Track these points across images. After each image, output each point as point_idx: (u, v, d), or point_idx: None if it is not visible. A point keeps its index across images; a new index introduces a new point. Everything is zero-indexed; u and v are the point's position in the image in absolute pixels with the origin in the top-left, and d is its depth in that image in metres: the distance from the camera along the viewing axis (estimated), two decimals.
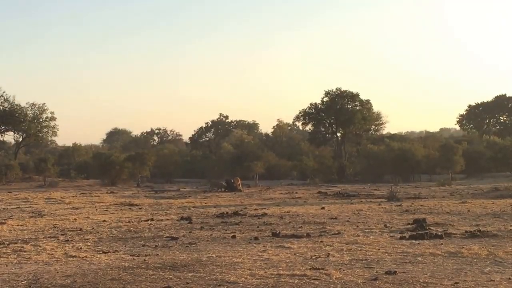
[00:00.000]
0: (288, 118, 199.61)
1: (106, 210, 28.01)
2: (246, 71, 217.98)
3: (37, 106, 70.23)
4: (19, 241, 16.46)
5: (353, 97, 75.39)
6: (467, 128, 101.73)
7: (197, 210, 27.72)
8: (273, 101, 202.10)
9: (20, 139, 72.55)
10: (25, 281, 10.21)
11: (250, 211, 26.02)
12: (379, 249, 13.82)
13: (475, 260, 12.15)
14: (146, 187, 54.40)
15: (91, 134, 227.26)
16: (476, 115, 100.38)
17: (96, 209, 28.67)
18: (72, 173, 67.04)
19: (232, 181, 46.84)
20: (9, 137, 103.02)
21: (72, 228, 19.79)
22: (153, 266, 11.49)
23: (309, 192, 43.69)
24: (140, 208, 29.31)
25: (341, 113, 73.91)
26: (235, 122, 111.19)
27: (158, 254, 13.60)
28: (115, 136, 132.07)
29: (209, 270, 10.98)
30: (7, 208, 29.32)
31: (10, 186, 55.24)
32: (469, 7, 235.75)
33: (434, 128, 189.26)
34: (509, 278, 10.06)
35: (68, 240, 16.53)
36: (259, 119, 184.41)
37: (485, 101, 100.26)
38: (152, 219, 22.57)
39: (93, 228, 19.77)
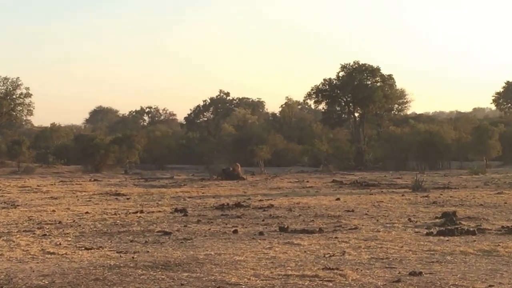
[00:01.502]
0: (298, 95, 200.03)
1: (89, 201, 28.08)
2: (249, 40, 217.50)
3: (10, 80, 70.10)
4: None
5: (373, 71, 75.04)
6: (505, 108, 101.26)
7: (194, 200, 27.77)
8: (281, 75, 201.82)
9: None
10: None
11: (254, 202, 26.07)
12: (402, 247, 13.83)
13: None
14: (135, 174, 54.52)
15: (72, 113, 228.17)
16: None
17: (78, 199, 28.74)
18: (50, 158, 67.04)
19: (231, 169, 46.86)
20: None
21: (50, 220, 19.86)
22: (143, 265, 11.52)
23: (322, 180, 43.69)
24: (128, 199, 29.37)
25: (359, 90, 73.60)
26: (237, 100, 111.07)
27: (148, 251, 13.63)
28: (99, 115, 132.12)
29: (207, 270, 11.00)
30: None
31: None
32: None
33: (466, 108, 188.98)
34: None
35: (45, 235, 16.60)
36: (265, 97, 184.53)
37: None
38: (141, 211, 22.63)
39: (74, 221, 19.83)
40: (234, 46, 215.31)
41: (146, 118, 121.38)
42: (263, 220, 19.61)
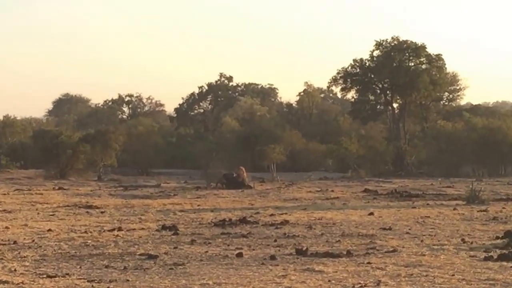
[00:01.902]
0: (320, 81, 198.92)
1: (53, 215, 28.06)
2: (257, 9, 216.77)
3: None
4: None
5: (418, 50, 74.80)
6: None
7: (186, 215, 27.75)
8: (298, 55, 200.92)
9: None
10: None
11: (264, 218, 26.04)
12: (453, 275, 13.79)
13: None
14: (111, 181, 54.51)
15: (30, 103, 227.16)
16: None
17: (38, 213, 28.72)
18: (2, 160, 67.25)
19: (234, 175, 46.81)
20: None
21: (2, 240, 19.88)
22: None
23: (351, 190, 43.55)
24: (102, 212, 29.37)
25: (399, 74, 73.37)
26: (242, 87, 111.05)
27: (128, 280, 13.64)
28: (66, 105, 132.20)
29: None
30: None
31: None
32: None
33: None
34: None
35: None
36: (278, 83, 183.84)
37: None
38: (119, 228, 22.61)
39: (33, 240, 19.84)
40: (238, 17, 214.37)
41: (125, 109, 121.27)
42: (275, 241, 19.59)
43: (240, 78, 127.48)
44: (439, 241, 19.16)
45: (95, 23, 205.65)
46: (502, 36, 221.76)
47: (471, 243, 18.70)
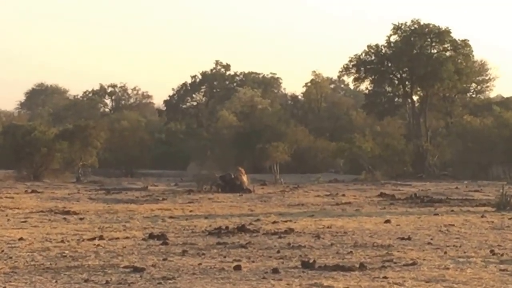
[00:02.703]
0: (330, 70, 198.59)
1: (25, 222, 28.08)
2: None
3: None
4: None
5: (441, 35, 74.94)
6: None
7: (177, 222, 27.77)
8: (306, 40, 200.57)
9: None
10: None
11: (266, 226, 26.06)
12: None
13: None
14: (91, 184, 54.60)
15: (0, 94, 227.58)
16: None
17: (8, 220, 28.75)
18: None
19: (233, 177, 46.88)
20: None
21: None
22: None
23: (365, 194, 43.66)
24: (81, 219, 29.40)
25: (420, 63, 73.52)
26: (241, 76, 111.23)
27: None
28: (40, 97, 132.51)
29: None
30: None
31: None
32: None
33: None
34: None
35: None
36: (282, 72, 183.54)
37: None
38: (101, 237, 22.63)
39: (2, 251, 19.85)
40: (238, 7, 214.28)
41: (108, 101, 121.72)
42: (278, 252, 19.60)
43: (238, 67, 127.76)
44: (465, 253, 19.17)
45: (73, 2, 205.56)
46: None
47: (502, 255, 18.70)
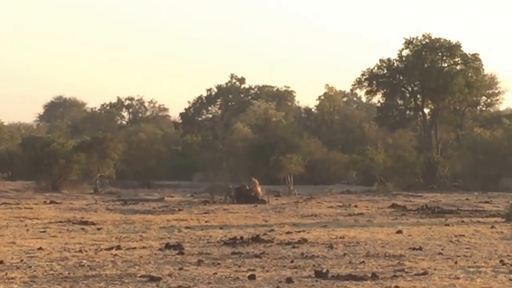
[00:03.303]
0: (343, 83, 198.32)
1: (44, 232, 28.13)
2: (274, 6, 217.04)
3: None
4: None
5: (452, 49, 74.88)
6: None
7: (193, 232, 27.78)
8: (319, 55, 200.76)
9: None
10: None
11: (280, 236, 26.05)
12: None
13: None
14: (108, 195, 54.63)
15: (19, 107, 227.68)
16: None
17: (28, 230, 28.81)
18: None
19: (248, 188, 46.89)
20: None
21: None
22: None
23: (377, 205, 43.60)
24: (98, 229, 29.41)
25: (431, 76, 73.46)
26: (256, 89, 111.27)
27: None
28: (59, 110, 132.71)
29: None
30: None
31: None
32: None
33: None
34: None
35: None
36: (296, 85, 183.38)
37: None
38: (118, 247, 22.65)
39: (21, 260, 19.88)
40: (253, 15, 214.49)
41: (125, 114, 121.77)
42: (292, 261, 19.59)
43: (253, 80, 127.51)
44: (475, 262, 19.12)
45: (91, 18, 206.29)
46: None
47: (511, 265, 18.66)
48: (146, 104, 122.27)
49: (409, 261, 19.37)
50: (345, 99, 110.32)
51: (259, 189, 47.44)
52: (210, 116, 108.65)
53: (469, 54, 75.45)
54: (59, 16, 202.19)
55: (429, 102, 76.81)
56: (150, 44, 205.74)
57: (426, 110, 77.73)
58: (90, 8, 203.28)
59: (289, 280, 16.45)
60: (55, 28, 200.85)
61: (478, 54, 75.84)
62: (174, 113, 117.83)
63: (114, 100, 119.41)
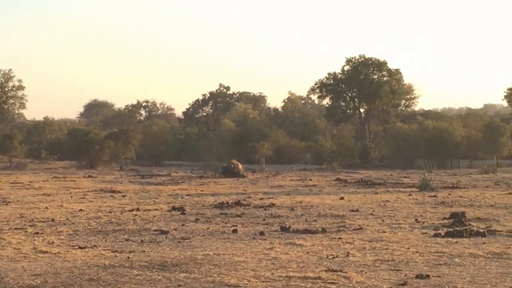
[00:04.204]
0: (301, 90, 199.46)
1: (83, 198, 28.10)
2: (251, 32, 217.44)
3: (1, 72, 70.11)
4: None
5: (380, 65, 75.09)
6: None
7: (192, 198, 27.78)
8: (284, 69, 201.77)
9: None
10: None
11: (255, 201, 26.07)
12: (408, 248, 13.84)
13: None
14: (130, 171, 54.54)
15: (66, 107, 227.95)
16: None
17: (71, 196, 28.77)
18: (43, 153, 67.11)
19: (233, 166, 46.99)
20: None
21: (42, 218, 19.87)
22: (139, 265, 11.53)
23: (326, 179, 43.69)
24: (123, 196, 29.39)
25: (365, 85, 73.65)
26: (237, 94, 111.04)
27: (144, 251, 13.64)
28: (95, 109, 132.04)
29: (205, 271, 11.01)
30: None
31: None
32: None
33: (476, 104, 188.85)
34: None
35: (37, 233, 16.61)
36: (267, 91, 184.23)
37: None
38: (137, 209, 22.63)
39: (67, 218, 19.84)
40: (236, 40, 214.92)
41: (143, 112, 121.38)
42: (264, 220, 19.62)
43: (236, 87, 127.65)
44: (397, 221, 19.21)
45: (119, 41, 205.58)
46: (448, 59, 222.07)
47: (423, 222, 18.75)
48: (158, 105, 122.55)
49: (349, 220, 19.42)
50: (303, 101, 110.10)
51: (240, 167, 47.50)
52: (205, 114, 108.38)
53: (392, 69, 75.83)
54: (94, 37, 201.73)
55: (364, 104, 77.10)
56: (162, 61, 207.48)
57: (362, 110, 77.96)
58: (120, 33, 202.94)
59: (261, 233, 16.47)
60: (93, 48, 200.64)
61: (399, 69, 76.50)
62: (179, 112, 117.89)
63: (134, 102, 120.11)
